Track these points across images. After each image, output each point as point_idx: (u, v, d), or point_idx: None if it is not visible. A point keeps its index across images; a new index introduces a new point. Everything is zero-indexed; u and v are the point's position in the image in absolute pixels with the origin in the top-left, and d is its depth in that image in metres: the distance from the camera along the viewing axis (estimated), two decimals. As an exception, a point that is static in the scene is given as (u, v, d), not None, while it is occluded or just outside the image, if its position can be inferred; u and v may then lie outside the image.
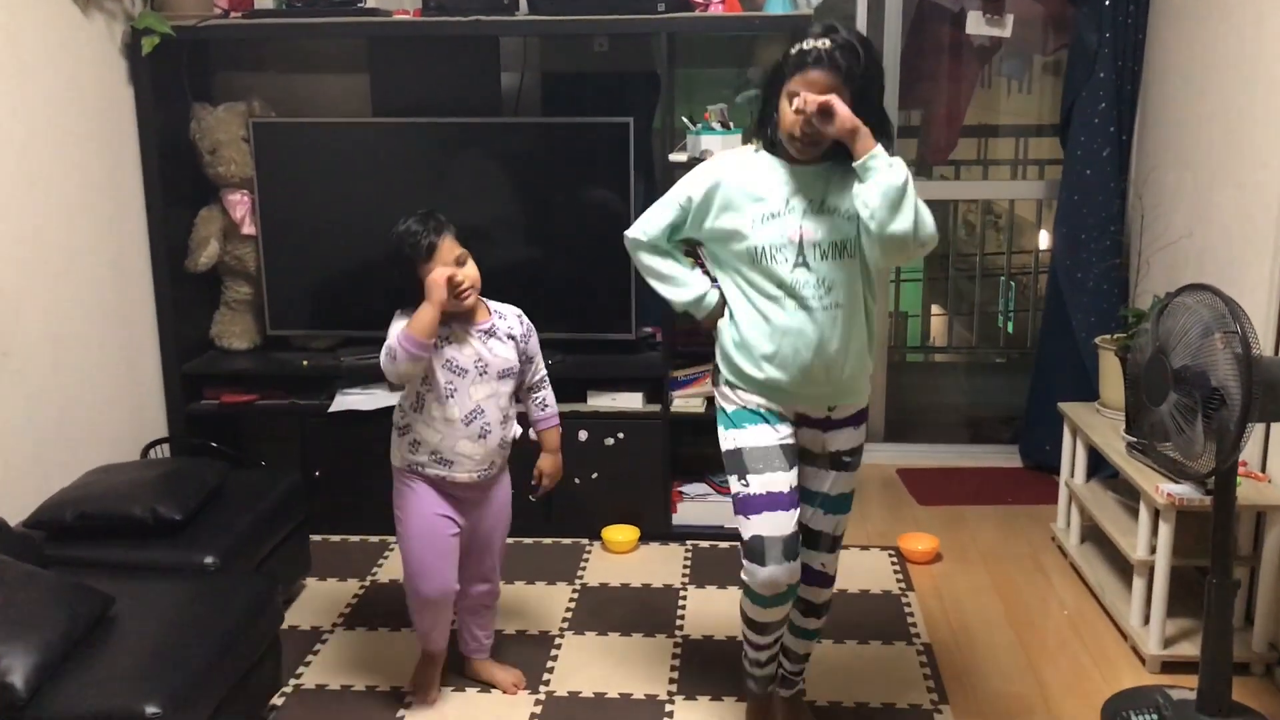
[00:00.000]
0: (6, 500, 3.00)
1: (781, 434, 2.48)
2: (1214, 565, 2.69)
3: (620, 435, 3.84)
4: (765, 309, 2.40)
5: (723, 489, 3.77)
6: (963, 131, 5.31)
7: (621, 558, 3.80)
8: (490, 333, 2.76)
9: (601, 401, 3.88)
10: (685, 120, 3.83)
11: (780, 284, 2.37)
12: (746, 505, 2.46)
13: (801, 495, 2.52)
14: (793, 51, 2.29)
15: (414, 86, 3.96)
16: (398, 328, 2.63)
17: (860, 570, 3.66)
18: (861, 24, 4.33)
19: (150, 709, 2.25)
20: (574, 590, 3.56)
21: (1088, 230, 4.15)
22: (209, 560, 2.92)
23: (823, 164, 2.35)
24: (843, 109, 2.21)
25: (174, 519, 2.98)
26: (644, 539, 3.89)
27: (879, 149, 2.23)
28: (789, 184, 2.37)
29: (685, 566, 3.72)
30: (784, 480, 2.45)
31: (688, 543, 3.88)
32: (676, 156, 3.71)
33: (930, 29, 4.78)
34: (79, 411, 3.40)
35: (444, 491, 2.77)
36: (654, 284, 2.62)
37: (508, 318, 2.82)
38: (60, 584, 2.53)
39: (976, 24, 4.29)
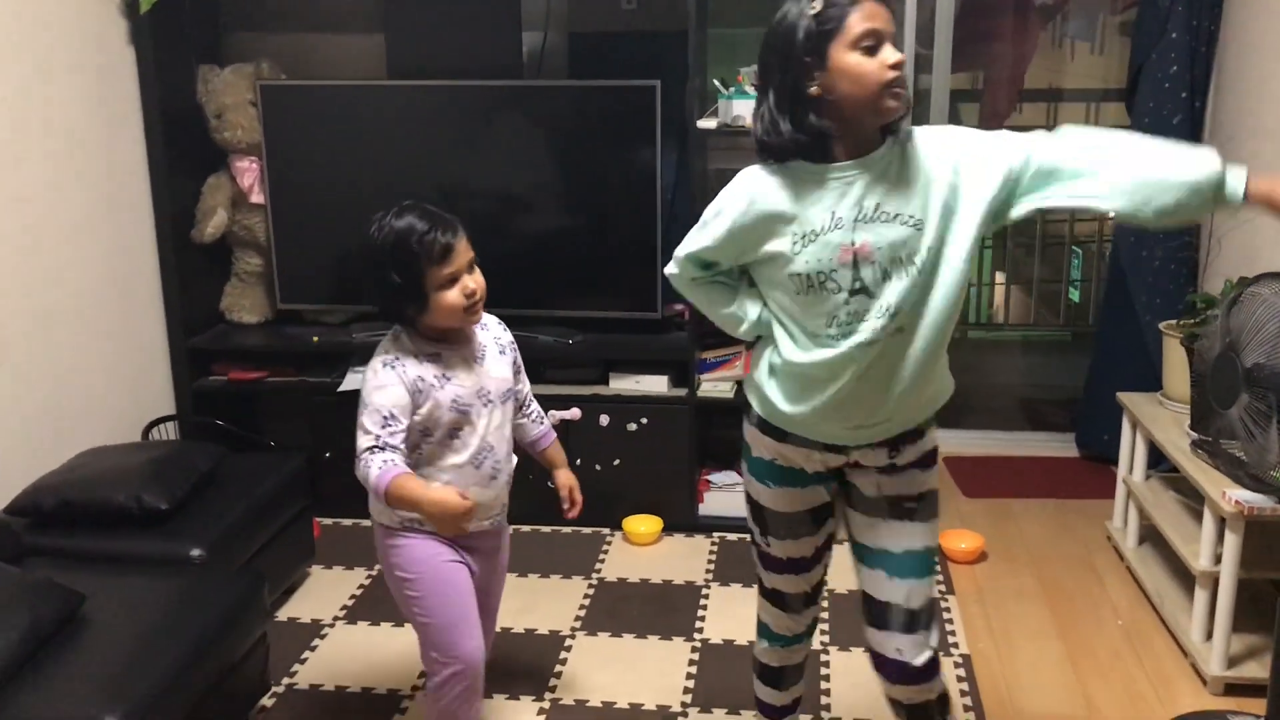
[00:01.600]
0: (-7, 483, 2.86)
1: (812, 498, 2.11)
2: (1286, 585, 2.42)
3: (644, 420, 3.62)
4: (812, 345, 1.95)
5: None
6: (1026, 96, 4.99)
7: (643, 550, 3.59)
8: (482, 352, 2.32)
9: (624, 384, 3.66)
10: (717, 83, 3.57)
11: (834, 316, 1.90)
12: (767, 562, 2.19)
13: (857, 553, 2.12)
14: (818, 7, 1.81)
15: (431, 47, 3.75)
16: (379, 393, 2.14)
17: (897, 569, 3.42)
18: (913, -22, 4.02)
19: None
20: (590, 585, 3.36)
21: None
22: (195, 553, 2.76)
23: (872, 155, 1.87)
24: None
25: (160, 508, 2.82)
26: (667, 530, 3.67)
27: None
28: (835, 191, 1.88)
29: (710, 561, 3.50)
30: (809, 545, 2.15)
31: (714, 535, 3.66)
32: (705, 123, 3.46)
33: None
34: (75, 389, 3.25)
35: (448, 541, 2.32)
36: (712, 316, 2.14)
37: (491, 328, 2.38)
38: (26, 582, 2.38)
39: (1037, -20, 3.97)
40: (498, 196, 3.71)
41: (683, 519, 3.68)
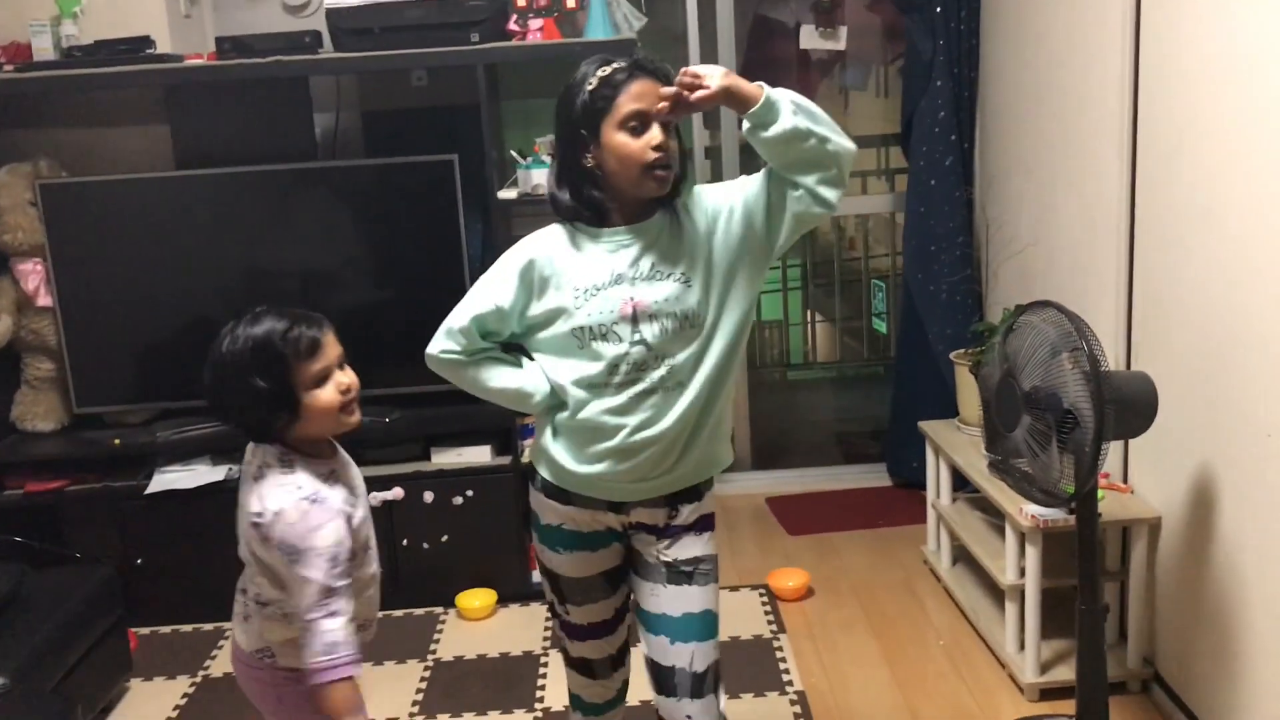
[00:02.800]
0: None
1: (604, 561, 2.16)
2: (1082, 592, 2.57)
3: (469, 493, 3.60)
4: (597, 402, 2.02)
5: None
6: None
7: (478, 625, 3.56)
8: (349, 462, 2.09)
9: (447, 458, 3.64)
10: (515, 154, 3.63)
11: (615, 367, 2.00)
12: (569, 630, 2.22)
13: (641, 619, 2.14)
14: (594, 84, 1.93)
15: (220, 134, 3.70)
16: (329, 541, 1.86)
17: (730, 614, 3.45)
18: (694, 39, 4.18)
19: None
20: (426, 668, 3.30)
21: (936, 242, 4.07)
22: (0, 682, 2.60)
23: (650, 220, 2.01)
24: (707, 67, 1.89)
25: (-44, 638, 2.66)
26: (501, 601, 3.65)
27: (767, 87, 1.91)
28: (612, 253, 2.01)
29: (546, 628, 3.49)
30: (608, 607, 2.19)
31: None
32: (506, 193, 3.51)
33: (767, 43, 4.67)
34: None
35: None
36: (491, 399, 2.15)
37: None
38: None
39: (810, 38, 4.19)
40: (302, 278, 3.66)
41: (516, 588, 3.67)
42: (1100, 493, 2.90)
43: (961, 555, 3.60)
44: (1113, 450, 3.05)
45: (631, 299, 1.99)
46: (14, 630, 2.80)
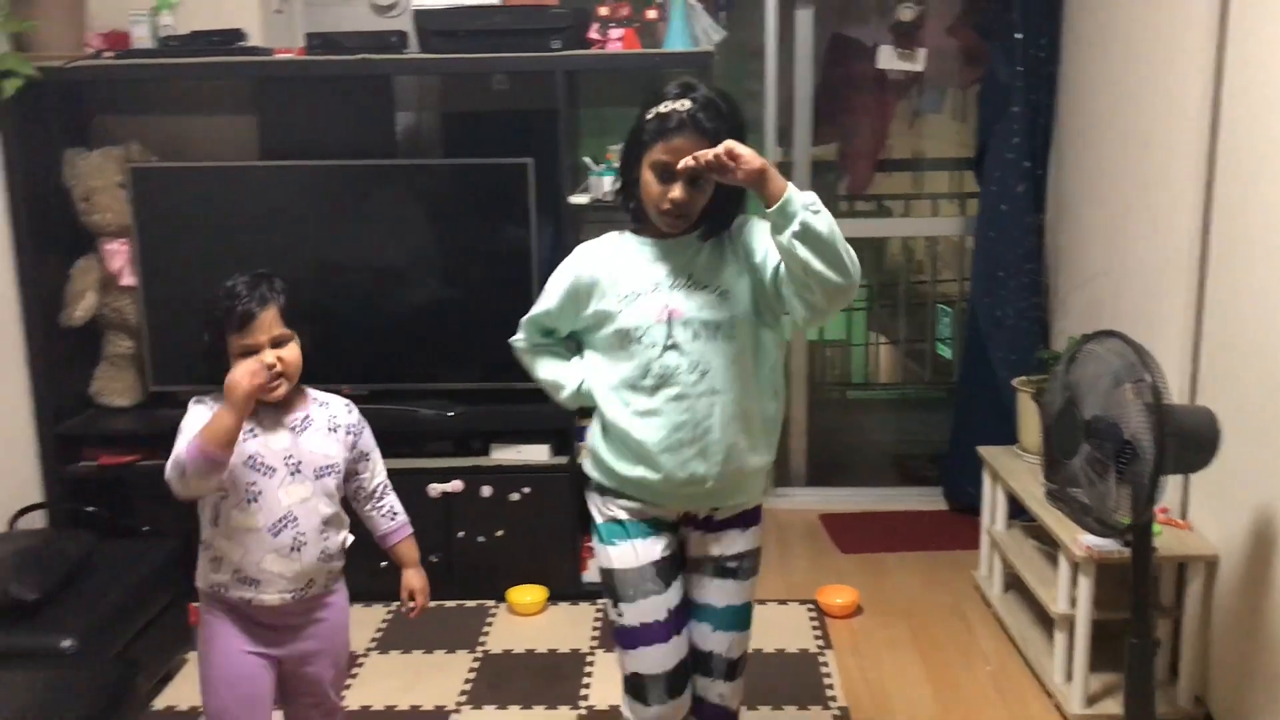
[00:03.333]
0: None
1: (654, 550, 2.21)
2: (1133, 624, 2.56)
3: (526, 490, 3.66)
4: (633, 400, 2.14)
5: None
6: (889, 166, 5.21)
7: (528, 620, 3.61)
8: (306, 424, 2.28)
9: (506, 455, 3.70)
10: (587, 160, 3.68)
11: (648, 370, 2.12)
12: (622, 637, 2.24)
13: (690, 609, 2.26)
14: (649, 117, 2.04)
15: (304, 127, 3.80)
16: (193, 423, 2.16)
17: (778, 627, 3.51)
18: (771, 58, 4.22)
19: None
20: (475, 659, 3.36)
21: (1005, 267, 4.06)
22: (66, 644, 2.71)
23: (691, 235, 2.14)
24: (745, 150, 1.88)
25: (29, 599, 2.76)
26: (552, 599, 3.70)
27: (793, 189, 1.90)
28: (656, 261, 2.14)
29: (595, 628, 3.54)
30: (660, 605, 2.20)
31: (598, 602, 3.70)
32: (577, 199, 3.56)
33: (846, 62, 4.69)
34: (-64, 480, 3.16)
35: (253, 619, 2.26)
36: (543, 386, 2.33)
37: (332, 406, 2.34)
38: (-117, 683, 2.31)
39: (888, 58, 4.21)
40: (376, 273, 3.74)
41: (567, 587, 3.71)
42: (1157, 528, 2.89)
43: (1013, 583, 3.58)
44: (1172, 486, 3.04)
45: (668, 306, 2.11)
46: (82, 596, 2.91)
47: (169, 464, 2.16)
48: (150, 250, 3.68)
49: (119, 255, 3.69)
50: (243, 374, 2.08)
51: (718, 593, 2.24)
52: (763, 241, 2.11)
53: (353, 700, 3.13)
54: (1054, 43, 3.93)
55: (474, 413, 3.72)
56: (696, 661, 2.25)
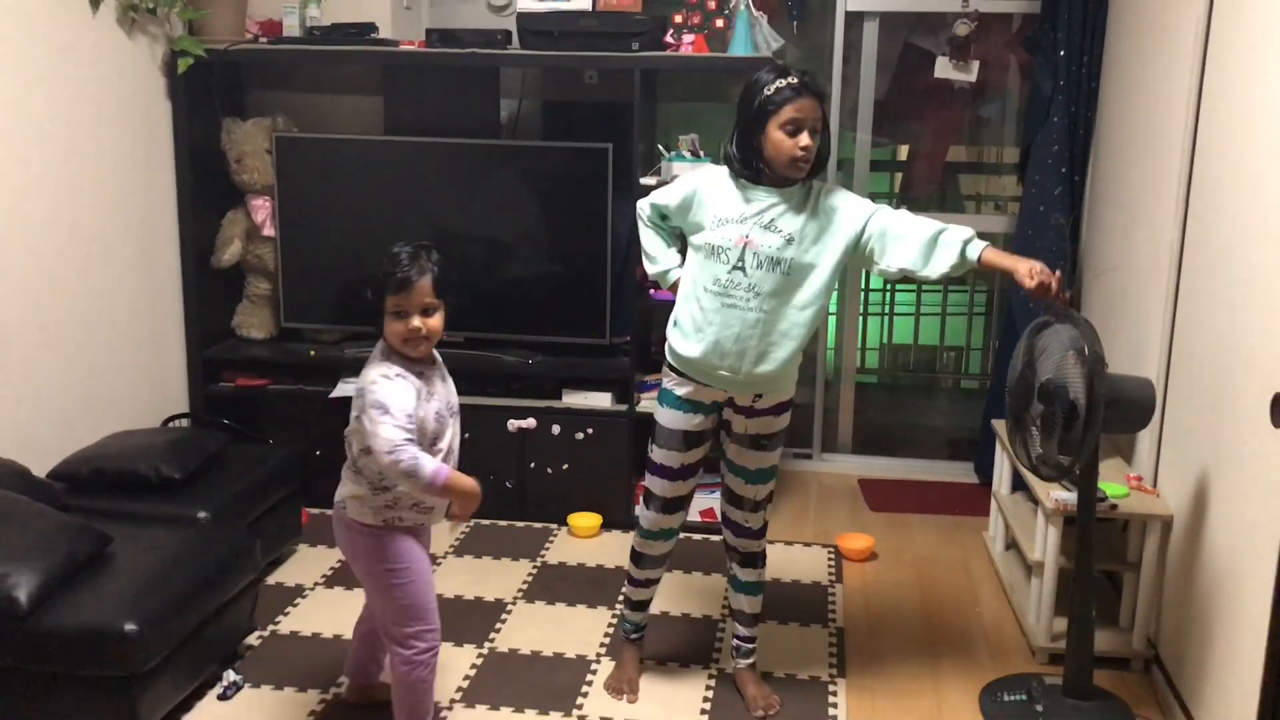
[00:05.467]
0: (38, 454, 3.45)
1: (691, 422, 2.96)
2: (1076, 562, 3.00)
3: (590, 430, 4.22)
4: (702, 298, 2.84)
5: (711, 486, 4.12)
6: (956, 168, 5.60)
7: (584, 542, 4.17)
8: (446, 374, 2.74)
9: (575, 400, 4.27)
10: (661, 147, 4.21)
11: (718, 279, 2.81)
12: (649, 465, 3.06)
13: (729, 467, 3.05)
14: (770, 91, 2.72)
15: (423, 109, 4.41)
16: (396, 399, 2.50)
17: (799, 563, 4.00)
18: (837, 63, 4.69)
19: (129, 626, 2.68)
20: (534, 567, 3.94)
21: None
22: (202, 514, 3.35)
23: (781, 190, 2.80)
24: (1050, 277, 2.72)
25: (174, 477, 3.43)
26: (606, 526, 4.26)
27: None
28: (748, 201, 2.82)
29: (640, 552, 4.08)
30: (676, 459, 2.99)
31: (647, 532, 4.24)
32: (648, 180, 4.09)
33: (916, 71, 5.11)
34: (106, 385, 3.86)
35: (418, 538, 2.74)
36: (642, 251, 3.09)
37: (439, 358, 2.75)
38: (66, 522, 2.98)
39: (944, 69, 4.63)
40: (474, 237, 4.34)
41: (620, 517, 4.26)
42: (1124, 489, 3.32)
43: (1014, 542, 4.00)
44: (1145, 455, 3.45)
45: (746, 236, 2.79)
46: (215, 482, 3.56)
47: (401, 452, 2.45)
48: (289, 207, 4.35)
49: (262, 210, 4.37)
50: (473, 489, 2.57)
51: (753, 459, 3.00)
52: (855, 213, 2.82)
53: (428, 589, 3.73)
54: (1095, 61, 4.30)
55: (550, 362, 4.30)
56: (732, 499, 3.07)
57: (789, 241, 2.78)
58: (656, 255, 3.06)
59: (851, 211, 2.84)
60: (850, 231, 2.83)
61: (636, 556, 3.17)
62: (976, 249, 2.79)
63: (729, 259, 2.79)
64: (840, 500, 4.68)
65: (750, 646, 3.17)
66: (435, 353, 2.72)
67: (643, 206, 3.05)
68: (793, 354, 2.87)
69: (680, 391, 2.94)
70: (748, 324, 2.80)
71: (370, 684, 3.10)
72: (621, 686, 3.16)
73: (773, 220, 2.79)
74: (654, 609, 3.36)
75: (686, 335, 2.89)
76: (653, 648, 3.33)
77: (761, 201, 2.80)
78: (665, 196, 2.96)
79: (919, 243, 2.80)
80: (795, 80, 2.72)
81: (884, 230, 2.82)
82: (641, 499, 3.11)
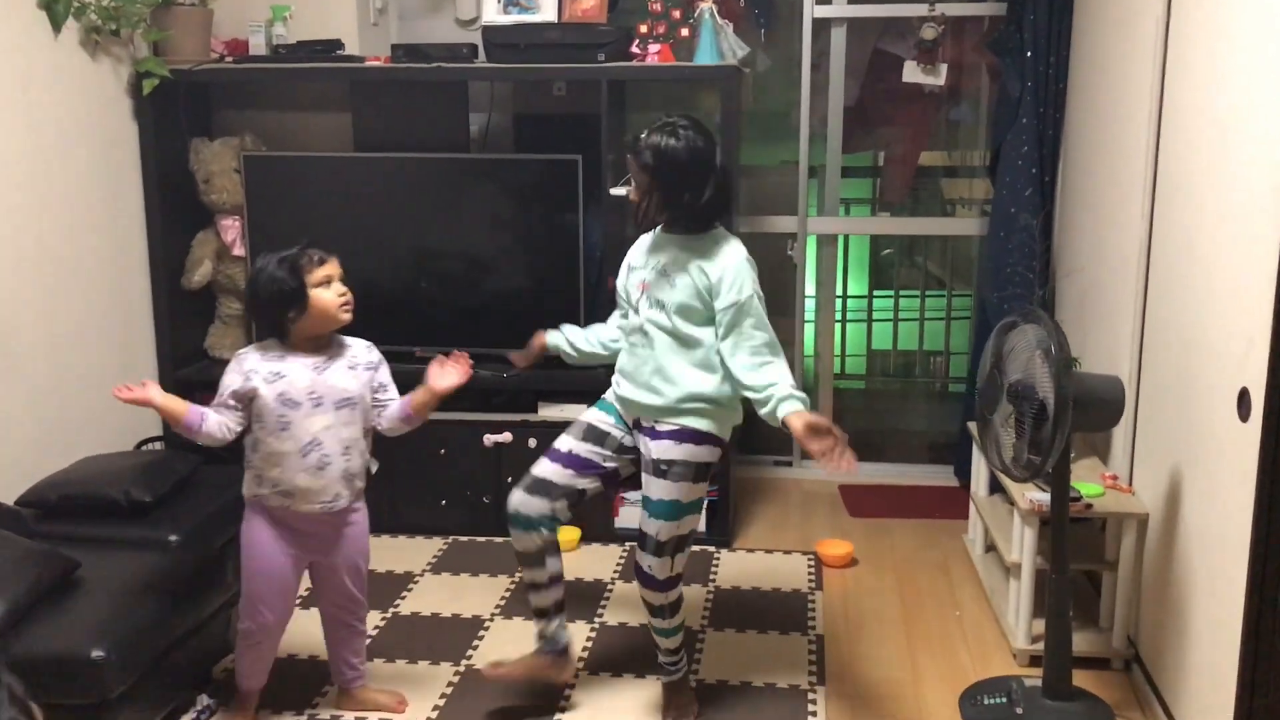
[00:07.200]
0: (8, 481, 3.42)
1: (598, 419, 3.05)
2: (1052, 563, 2.99)
3: (566, 444, 4.19)
4: (625, 334, 3.02)
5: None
6: (931, 172, 5.60)
7: (563, 556, 4.13)
8: (326, 365, 2.81)
9: (551, 411, 4.25)
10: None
11: (625, 315, 3.00)
12: (547, 452, 3.06)
13: (643, 501, 2.95)
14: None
15: (392, 125, 4.40)
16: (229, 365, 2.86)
17: (777, 571, 3.98)
18: (806, 70, 4.69)
19: (95, 652, 2.65)
20: (512, 582, 3.91)
21: (1012, 264, 4.45)
22: (173, 538, 3.31)
23: (679, 236, 2.90)
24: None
25: (144, 500, 3.38)
26: (586, 539, 4.23)
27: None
28: (652, 249, 2.96)
29: (619, 565, 4.05)
30: (566, 443, 3.04)
31: (626, 544, 4.22)
32: (617, 190, 4.08)
33: (886, 76, 5.11)
34: (77, 408, 3.83)
35: (286, 525, 2.86)
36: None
37: (354, 348, 2.88)
38: (31, 548, 2.95)
39: (912, 73, 4.64)
40: (446, 251, 4.33)
41: (600, 530, 4.24)
42: (1099, 489, 3.31)
43: (994, 544, 3.99)
44: (1121, 455, 3.44)
45: (643, 282, 2.93)
46: (186, 504, 3.51)
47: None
48: (258, 226, 4.33)
49: (232, 229, 4.35)
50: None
51: (650, 486, 2.90)
52: (724, 283, 2.83)
53: (404, 608, 3.71)
54: (1062, 61, 4.31)
55: (525, 375, 4.24)
56: (640, 539, 2.94)
57: (674, 288, 2.87)
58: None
59: (723, 289, 2.84)
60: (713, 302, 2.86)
61: (517, 555, 3.08)
62: (785, 409, 2.75)
63: (634, 302, 2.99)
64: (820, 507, 4.67)
65: (673, 668, 3.07)
66: (346, 341, 2.88)
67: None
68: (696, 384, 2.89)
69: (610, 400, 3.06)
70: (643, 359, 2.94)
71: (349, 690, 3.10)
72: (497, 670, 3.09)
73: (665, 266, 2.89)
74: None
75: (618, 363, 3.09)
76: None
77: (660, 247, 2.93)
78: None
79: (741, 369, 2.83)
80: (640, 138, 2.86)
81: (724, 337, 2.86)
82: (516, 488, 3.05)
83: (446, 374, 2.85)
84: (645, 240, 3.03)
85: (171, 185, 4.26)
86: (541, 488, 2.98)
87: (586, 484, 3.01)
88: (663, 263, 2.89)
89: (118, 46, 4.02)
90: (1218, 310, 2.71)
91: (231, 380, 2.80)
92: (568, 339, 3.22)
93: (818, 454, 2.66)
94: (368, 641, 3.19)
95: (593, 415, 3.06)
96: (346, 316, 2.81)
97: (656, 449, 2.88)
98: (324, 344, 2.84)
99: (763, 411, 2.79)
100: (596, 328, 3.24)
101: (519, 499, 2.99)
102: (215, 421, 2.79)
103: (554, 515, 2.99)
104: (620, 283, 3.06)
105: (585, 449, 3.01)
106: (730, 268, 2.83)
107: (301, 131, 4.56)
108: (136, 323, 4.20)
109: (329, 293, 2.77)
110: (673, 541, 2.90)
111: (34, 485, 3.44)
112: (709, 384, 2.87)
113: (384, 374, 2.92)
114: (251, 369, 2.79)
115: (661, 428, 2.89)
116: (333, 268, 2.81)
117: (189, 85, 4.24)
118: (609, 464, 3.01)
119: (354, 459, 2.85)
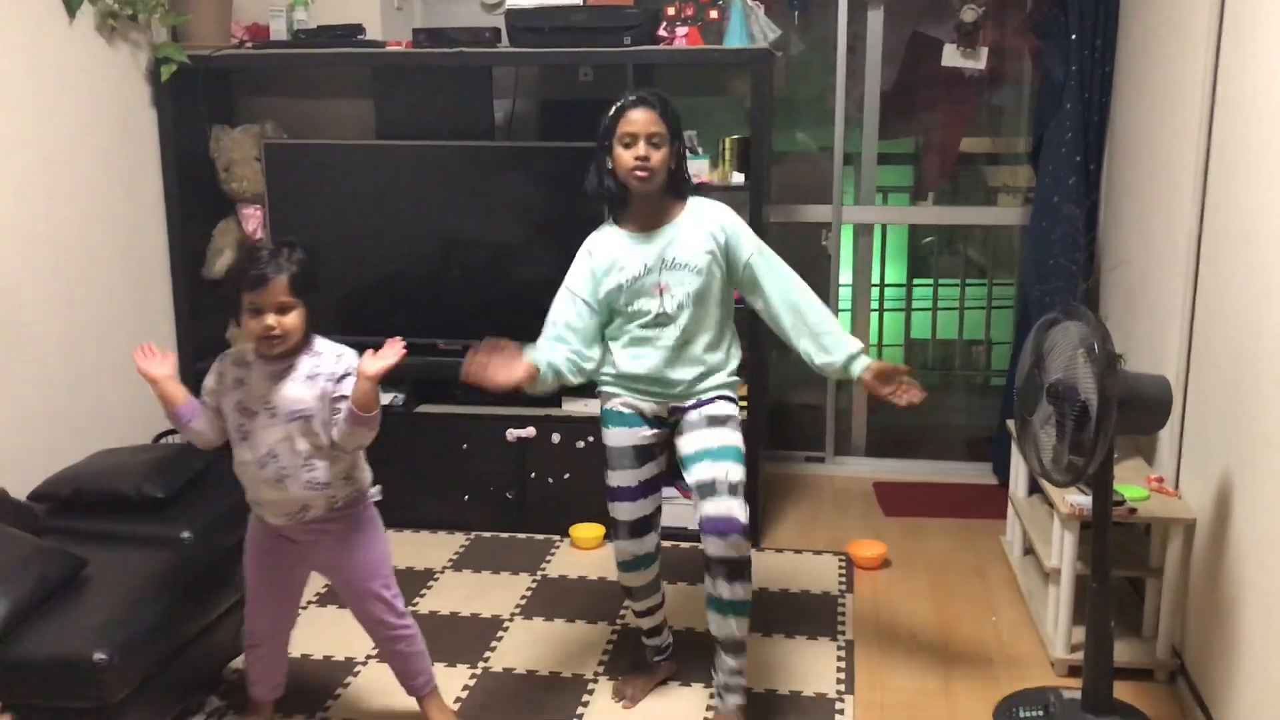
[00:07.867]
0: (22, 474, 3.36)
1: (633, 435, 2.92)
2: (1093, 570, 2.84)
3: (590, 439, 4.09)
4: (640, 339, 2.88)
5: (686, 492, 3.99)
6: (973, 159, 5.43)
7: (586, 553, 4.05)
8: (285, 374, 2.62)
9: (575, 407, 4.14)
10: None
11: (647, 325, 2.85)
12: (609, 493, 2.96)
13: (683, 464, 2.89)
14: (611, 112, 2.79)
15: (415, 112, 4.29)
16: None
17: (807, 572, 3.86)
18: (842, 54, 4.54)
19: (98, 655, 2.58)
20: (534, 581, 3.81)
21: (1054, 256, 4.28)
22: (185, 535, 3.24)
23: (660, 229, 2.83)
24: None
25: (157, 496, 3.32)
26: (609, 536, 4.12)
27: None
28: (634, 245, 2.85)
29: (644, 564, 3.94)
30: (633, 477, 2.91)
31: (652, 542, 4.11)
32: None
33: (924, 60, 4.95)
34: (95, 401, 3.77)
35: (280, 533, 2.75)
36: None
37: (323, 357, 2.65)
38: (38, 546, 2.88)
39: (951, 56, 4.47)
40: (471, 241, 4.23)
41: (624, 528, 4.13)
42: (1144, 492, 3.16)
43: (1032, 547, 3.84)
44: (1167, 457, 3.29)
45: (659, 283, 2.83)
46: (200, 500, 3.44)
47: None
48: (280, 214, 4.25)
49: (253, 218, 4.27)
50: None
51: (715, 437, 2.84)
52: (742, 248, 2.85)
53: (424, 606, 3.62)
54: (1109, 44, 4.14)
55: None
56: (701, 487, 2.80)
57: (698, 273, 2.83)
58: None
59: (743, 250, 2.87)
60: (735, 257, 2.87)
61: (625, 590, 3.07)
62: (860, 366, 2.83)
63: (651, 308, 2.86)
64: (854, 505, 4.53)
65: (742, 680, 2.91)
66: (318, 348, 2.66)
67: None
68: (716, 364, 2.93)
69: (622, 407, 2.94)
70: (676, 352, 2.89)
71: (416, 699, 2.93)
72: (625, 691, 3.10)
73: (674, 258, 2.83)
74: (633, 619, 3.20)
75: (634, 372, 2.94)
76: (636, 659, 3.20)
77: (651, 245, 2.84)
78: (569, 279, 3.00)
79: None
80: (631, 96, 2.76)
81: (758, 281, 2.88)
82: (613, 541, 3.01)
83: (376, 359, 2.57)
84: (612, 242, 2.89)
85: (191, 173, 4.19)
86: (643, 527, 2.95)
87: (660, 498, 3.00)
88: (660, 251, 2.82)
89: (135, 32, 3.94)
90: (1274, 306, 2.55)
91: (207, 380, 2.73)
92: (549, 363, 2.87)
93: (888, 396, 2.81)
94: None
95: (626, 436, 2.92)
96: (266, 350, 2.60)
97: (711, 409, 2.89)
98: (293, 350, 2.63)
99: (831, 361, 2.85)
100: (560, 349, 2.91)
101: (631, 546, 2.95)
102: (204, 420, 2.69)
103: (659, 542, 3.02)
104: (607, 289, 2.86)
105: (647, 472, 2.94)
106: (729, 219, 2.86)
107: (323, 118, 4.47)
108: (155, 314, 4.14)
109: (254, 322, 2.56)
110: (741, 483, 2.83)
111: (47, 479, 3.39)
112: (724, 356, 2.94)
113: (346, 385, 2.61)
114: (222, 371, 2.71)
115: (707, 395, 2.90)
116: (267, 297, 2.52)
117: (208, 71, 4.17)
118: (663, 469, 2.99)
119: (318, 471, 2.64)
